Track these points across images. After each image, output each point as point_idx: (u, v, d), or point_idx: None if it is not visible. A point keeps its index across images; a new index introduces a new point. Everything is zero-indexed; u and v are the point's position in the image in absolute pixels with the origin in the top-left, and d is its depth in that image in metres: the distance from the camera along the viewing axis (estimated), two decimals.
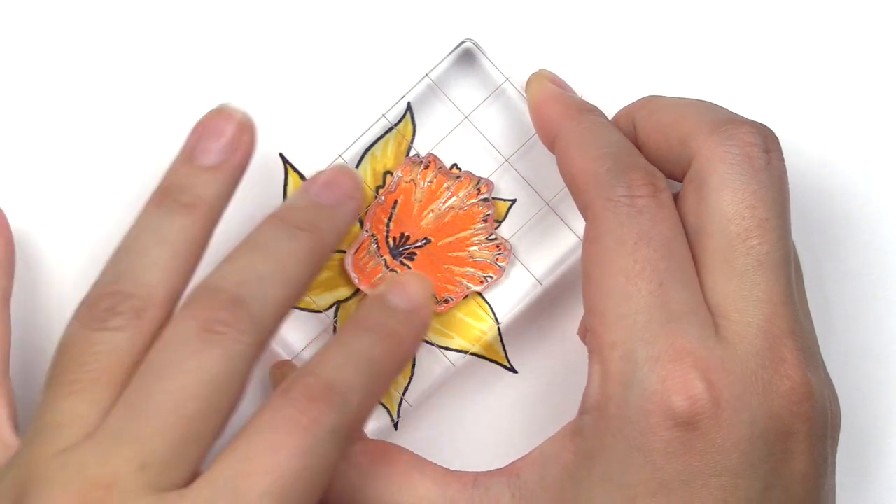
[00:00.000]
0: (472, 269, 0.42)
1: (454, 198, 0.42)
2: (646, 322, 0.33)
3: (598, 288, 0.34)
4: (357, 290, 0.42)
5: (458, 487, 0.35)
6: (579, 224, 0.42)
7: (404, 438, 0.41)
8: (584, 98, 0.40)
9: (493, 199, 0.42)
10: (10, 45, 0.42)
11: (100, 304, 0.33)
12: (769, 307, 0.33)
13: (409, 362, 0.36)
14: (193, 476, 0.31)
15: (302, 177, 0.41)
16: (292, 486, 0.30)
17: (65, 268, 0.41)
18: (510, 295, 0.42)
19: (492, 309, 0.42)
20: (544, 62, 0.42)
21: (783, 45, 0.43)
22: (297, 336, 0.41)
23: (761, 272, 0.34)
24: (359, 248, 0.41)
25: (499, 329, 0.42)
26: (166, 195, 0.35)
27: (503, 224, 0.42)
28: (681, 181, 0.36)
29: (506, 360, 0.42)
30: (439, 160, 0.42)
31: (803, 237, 0.41)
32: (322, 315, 0.41)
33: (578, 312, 0.41)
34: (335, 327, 0.41)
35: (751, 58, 0.43)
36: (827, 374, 0.36)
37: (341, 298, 0.42)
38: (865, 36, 0.43)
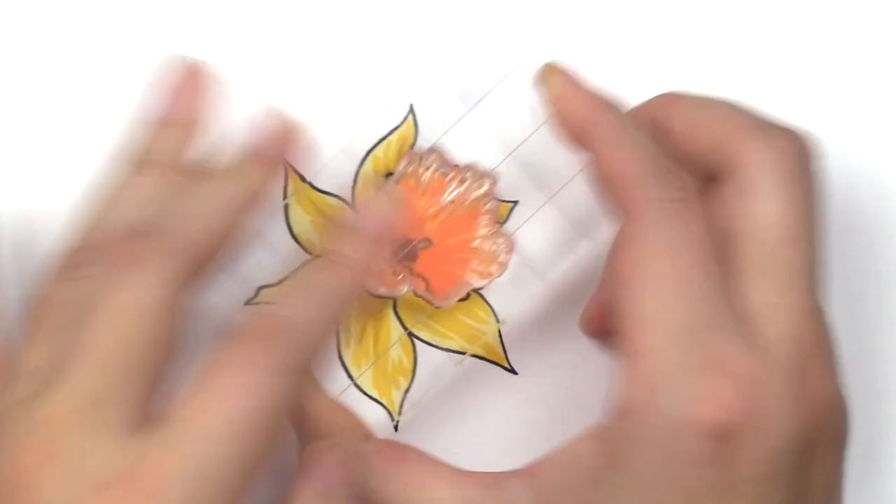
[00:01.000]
0: (473, 269, 0.42)
1: (455, 193, 0.42)
2: (680, 328, 0.33)
3: (633, 291, 0.34)
4: None
5: (475, 488, 0.35)
6: (580, 224, 0.42)
7: (404, 439, 0.41)
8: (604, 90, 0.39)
9: (496, 199, 0.42)
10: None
11: (74, 258, 0.35)
12: (801, 316, 0.33)
13: (360, 287, 0.37)
14: (143, 412, 0.32)
15: (302, 177, 0.41)
16: (248, 424, 0.31)
17: None
18: (511, 296, 0.42)
19: (492, 309, 0.42)
20: (536, 62, 0.42)
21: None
22: None
23: (795, 281, 0.33)
24: None
25: (499, 330, 0.42)
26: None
27: (505, 226, 0.42)
28: (702, 182, 0.36)
29: (506, 362, 0.42)
30: (442, 153, 0.41)
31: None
32: None
33: (579, 313, 0.42)
34: (336, 330, 0.41)
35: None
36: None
37: None
38: None
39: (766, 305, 0.33)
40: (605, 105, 0.37)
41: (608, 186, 0.36)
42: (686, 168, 0.36)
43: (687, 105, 0.37)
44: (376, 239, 0.37)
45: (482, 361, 0.42)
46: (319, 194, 0.41)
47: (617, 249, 0.35)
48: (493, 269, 0.41)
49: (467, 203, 0.42)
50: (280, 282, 0.41)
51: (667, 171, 0.34)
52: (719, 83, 0.43)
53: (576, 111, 0.37)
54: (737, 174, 0.34)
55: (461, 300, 0.42)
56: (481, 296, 0.42)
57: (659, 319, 0.33)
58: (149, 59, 0.42)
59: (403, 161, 0.41)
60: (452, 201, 0.42)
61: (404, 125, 0.42)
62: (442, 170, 0.42)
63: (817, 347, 0.33)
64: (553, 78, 0.38)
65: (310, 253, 0.41)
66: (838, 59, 0.43)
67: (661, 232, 0.34)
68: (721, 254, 0.34)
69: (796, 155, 0.34)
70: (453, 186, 0.42)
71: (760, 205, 0.34)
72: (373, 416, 0.41)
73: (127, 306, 0.32)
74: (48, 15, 0.42)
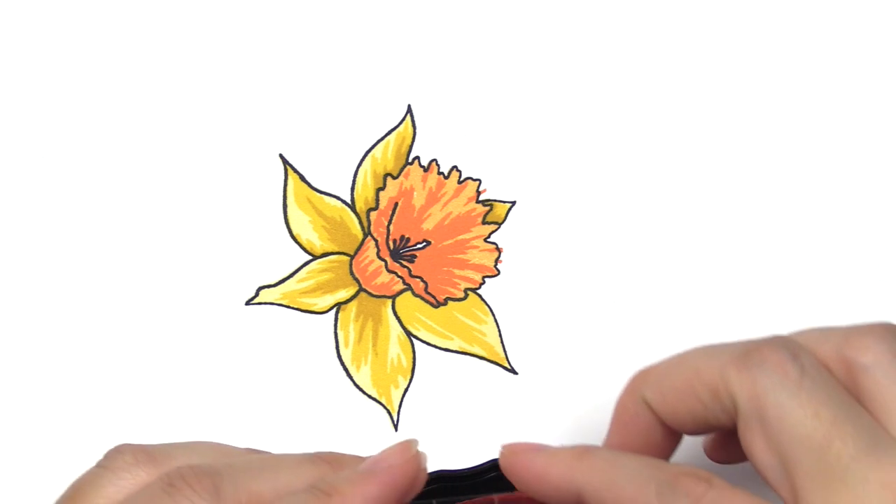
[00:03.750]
0: (471, 271, 0.42)
1: (454, 200, 0.42)
2: None
3: None
4: (357, 292, 0.42)
5: None
6: (578, 225, 0.42)
7: (404, 439, 0.41)
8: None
9: (493, 201, 0.42)
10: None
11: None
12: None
13: None
14: None
15: (302, 177, 0.42)
16: None
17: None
18: (510, 296, 0.42)
19: (491, 310, 0.42)
20: (539, 62, 0.42)
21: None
22: (298, 338, 0.41)
23: (864, 466, 0.32)
24: (360, 251, 0.42)
25: (499, 330, 0.42)
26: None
27: (503, 226, 0.42)
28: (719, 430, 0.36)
29: (506, 362, 0.42)
30: (439, 163, 0.42)
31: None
32: (322, 316, 0.42)
33: (578, 314, 0.42)
34: (336, 330, 0.41)
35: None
36: None
37: (342, 300, 0.42)
38: None
39: None
40: (577, 456, 0.35)
41: None
42: (704, 426, 0.35)
43: (663, 373, 0.36)
44: (385, 490, 0.35)
45: (482, 361, 0.42)
46: (318, 194, 0.42)
47: None
48: (491, 274, 0.41)
49: (465, 204, 0.42)
50: (279, 282, 0.41)
51: (675, 480, 0.33)
52: (719, 83, 0.43)
53: (556, 479, 0.35)
54: (744, 410, 0.34)
55: (459, 300, 0.42)
56: (481, 296, 0.42)
57: None
58: (154, 68, 0.42)
59: (402, 172, 0.42)
60: (451, 209, 0.42)
61: (402, 125, 0.42)
62: (439, 179, 0.42)
63: None
64: (514, 458, 0.36)
65: (309, 253, 0.42)
66: (838, 60, 0.43)
67: None
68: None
69: (787, 363, 0.33)
70: (451, 195, 0.42)
71: (781, 425, 0.33)
72: (372, 416, 0.41)
73: None
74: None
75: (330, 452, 0.36)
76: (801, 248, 0.41)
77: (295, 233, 0.42)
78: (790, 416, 0.33)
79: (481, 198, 0.42)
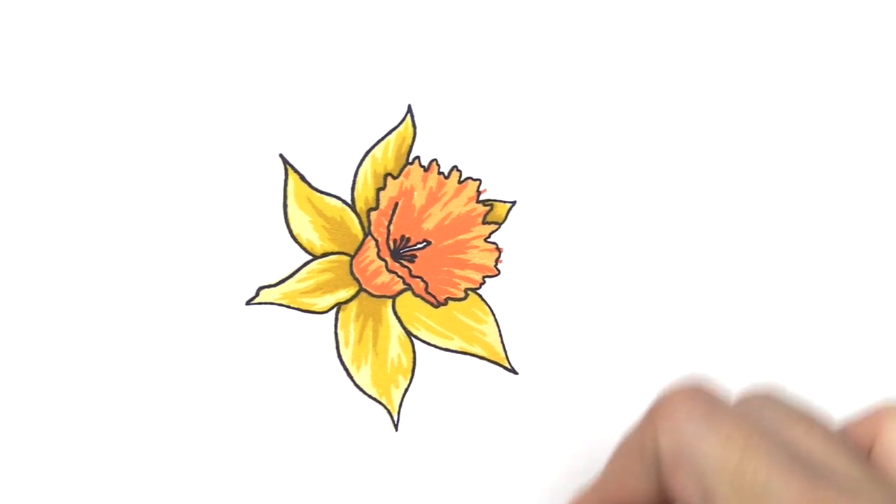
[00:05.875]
0: (471, 271, 0.42)
1: (454, 200, 0.42)
2: None
3: None
4: (357, 292, 0.42)
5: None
6: (578, 225, 0.42)
7: (404, 439, 0.41)
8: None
9: (494, 200, 0.42)
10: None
11: None
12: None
13: None
14: None
15: (302, 177, 0.42)
16: None
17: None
18: (510, 295, 0.42)
19: (492, 310, 0.42)
20: (539, 63, 0.42)
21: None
22: (298, 338, 0.42)
23: (781, 483, 0.31)
24: (360, 251, 0.42)
25: (499, 330, 0.42)
26: None
27: (503, 226, 0.42)
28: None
29: (506, 361, 0.42)
30: (439, 163, 0.42)
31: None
32: (322, 316, 0.42)
33: (578, 313, 0.42)
34: (336, 330, 0.42)
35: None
36: None
37: (342, 300, 0.42)
38: None
39: None
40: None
41: None
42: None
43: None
44: None
45: (482, 361, 0.42)
46: (319, 194, 0.42)
47: None
48: (491, 274, 0.42)
49: (465, 204, 0.42)
50: (280, 282, 0.41)
51: None
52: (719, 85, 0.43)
53: None
54: (666, 453, 0.33)
55: (459, 300, 0.42)
56: (481, 296, 0.42)
57: None
58: (153, 68, 0.42)
59: (402, 172, 0.42)
60: (451, 209, 0.42)
61: (403, 125, 0.42)
62: (440, 179, 0.42)
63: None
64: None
65: (310, 253, 0.42)
66: (839, 61, 0.43)
67: None
68: None
69: (689, 399, 0.33)
70: (451, 195, 0.42)
71: (704, 451, 0.32)
72: (372, 416, 0.41)
73: None
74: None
75: None
76: (802, 248, 0.41)
77: (295, 233, 0.42)
78: (702, 446, 0.32)
79: (481, 198, 0.42)
